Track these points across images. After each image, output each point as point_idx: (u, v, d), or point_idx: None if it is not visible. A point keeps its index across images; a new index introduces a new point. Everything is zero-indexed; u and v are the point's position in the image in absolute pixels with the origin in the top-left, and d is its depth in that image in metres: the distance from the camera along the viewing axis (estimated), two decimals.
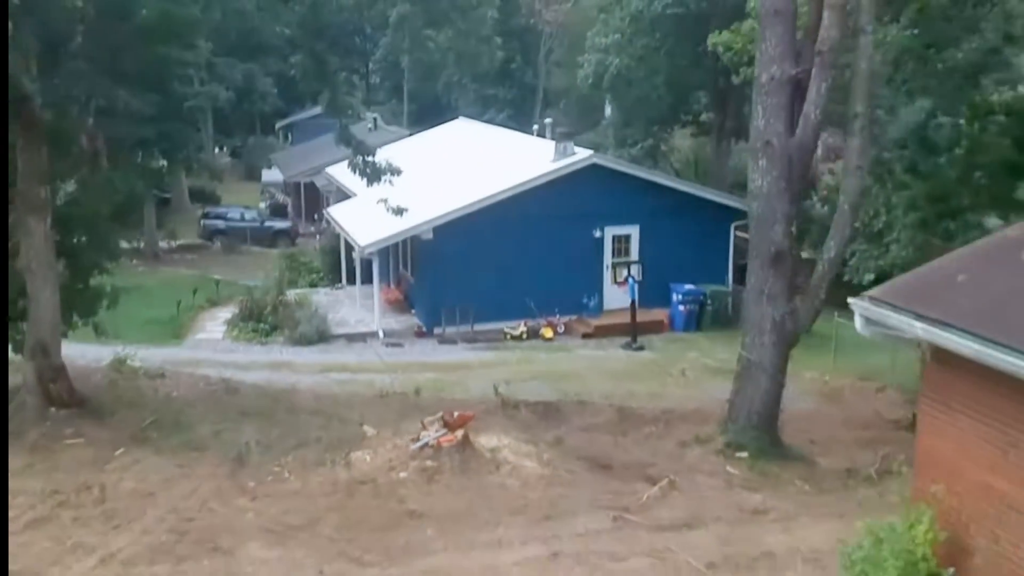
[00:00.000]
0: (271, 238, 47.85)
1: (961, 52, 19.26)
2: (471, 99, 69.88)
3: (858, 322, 8.64)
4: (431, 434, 15.06)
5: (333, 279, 31.72)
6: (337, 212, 30.31)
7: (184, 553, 11.96)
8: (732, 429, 16.09)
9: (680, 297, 27.65)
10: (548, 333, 26.86)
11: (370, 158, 19.00)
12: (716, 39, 23.80)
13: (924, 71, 19.66)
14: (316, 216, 46.80)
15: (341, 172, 35.17)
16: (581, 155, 27.28)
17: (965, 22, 19.62)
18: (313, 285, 31.91)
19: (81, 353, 19.34)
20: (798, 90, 14.72)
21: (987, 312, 7.90)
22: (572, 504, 13.87)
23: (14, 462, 14.41)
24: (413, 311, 28.12)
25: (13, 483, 13.47)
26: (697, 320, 27.79)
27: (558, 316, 27.23)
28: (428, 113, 63.69)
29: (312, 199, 50.17)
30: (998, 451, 8.06)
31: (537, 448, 16.00)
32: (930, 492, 8.44)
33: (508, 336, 26.75)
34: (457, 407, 18.07)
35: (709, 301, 27.84)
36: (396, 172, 19.37)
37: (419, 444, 14.90)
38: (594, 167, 27.15)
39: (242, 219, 48.83)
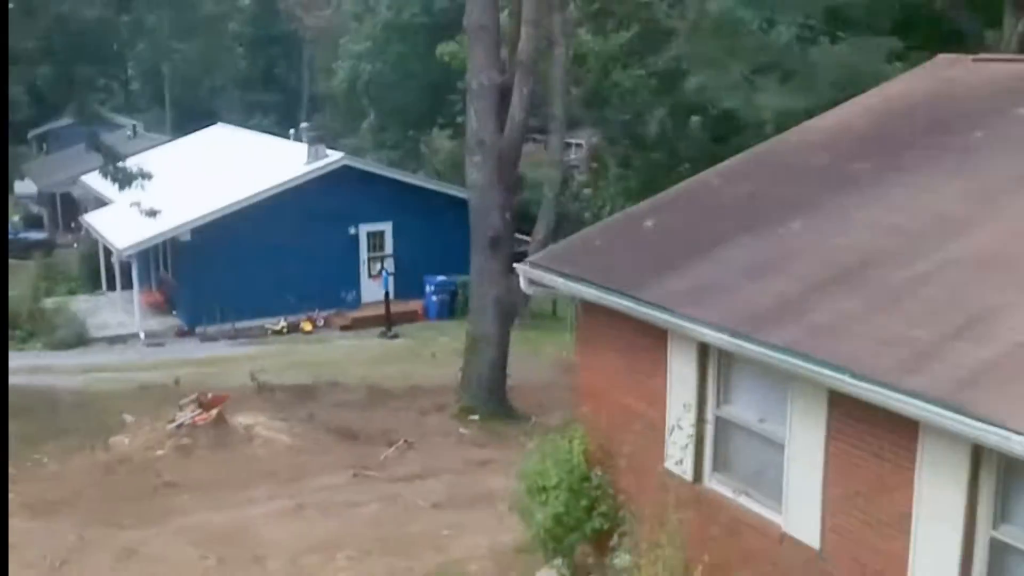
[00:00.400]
0: (26, 250, 46.68)
1: (660, 60, 22.07)
2: (236, 105, 69.83)
3: (522, 282, 10.75)
4: (187, 415, 16.35)
5: (93, 286, 31.87)
6: (94, 219, 30.62)
7: None
8: (464, 396, 18.15)
9: (433, 288, 29.68)
10: (307, 327, 28.32)
11: (121, 164, 19.91)
12: (443, 49, 25.78)
13: (628, 75, 22.31)
14: (73, 226, 46.10)
15: (97, 180, 35.30)
16: (332, 157, 28.87)
17: (660, 35, 22.48)
18: (72, 292, 31.95)
19: None
20: (505, 95, 16.94)
21: (607, 268, 10.16)
22: (317, 467, 15.56)
23: None
24: (175, 312, 28.88)
25: None
26: (450, 308, 29.87)
27: (318, 311, 28.72)
28: (190, 119, 63.26)
29: (69, 209, 49.21)
30: (629, 377, 10.31)
31: (289, 424, 17.57)
32: (581, 413, 10.64)
33: (270, 332, 28.02)
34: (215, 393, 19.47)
35: (460, 290, 29.97)
36: (147, 176, 20.39)
37: (175, 424, 16.17)
38: (346, 168, 28.80)
39: None
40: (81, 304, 29.82)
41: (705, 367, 9.23)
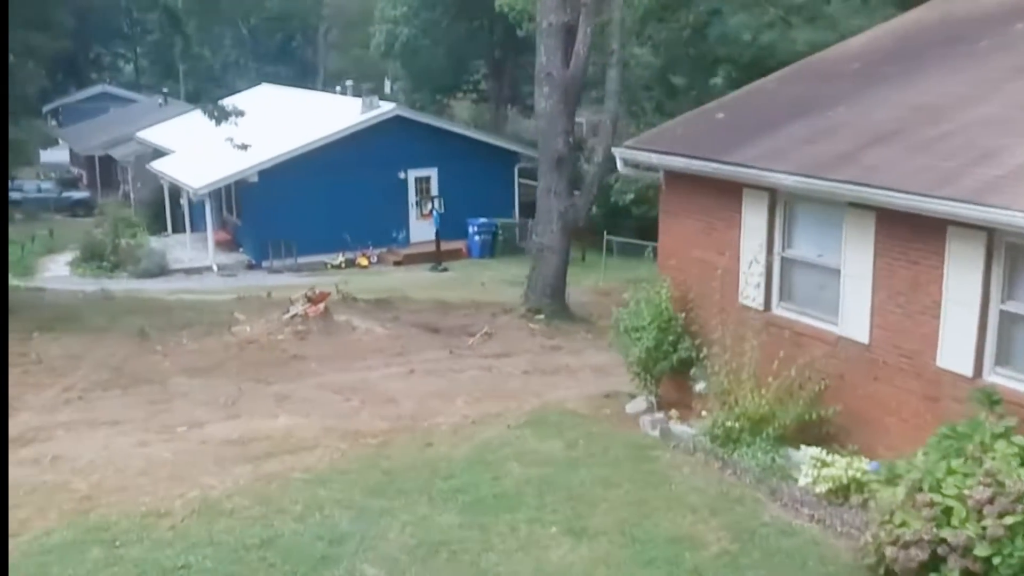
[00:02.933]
0: (71, 207, 49.23)
1: (692, 14, 24.59)
2: (252, 78, 72.11)
3: (619, 163, 13.39)
4: (299, 307, 18.96)
5: (156, 230, 34.38)
6: (162, 165, 33.09)
7: (125, 384, 15.43)
8: (530, 298, 20.77)
9: (476, 229, 32.32)
10: (364, 262, 30.95)
11: (219, 102, 22.37)
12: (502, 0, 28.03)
13: (662, 27, 24.80)
14: (119, 183, 48.74)
15: (154, 134, 37.91)
16: (386, 107, 31.45)
17: None
18: (134, 237, 34.42)
19: None
20: (570, 33, 19.53)
21: (692, 146, 12.80)
22: (416, 346, 18.19)
23: None
24: (240, 249, 31.46)
25: None
26: (491, 248, 32.54)
27: (371, 248, 31.32)
28: (204, 92, 65.46)
29: (107, 171, 51.77)
30: (706, 235, 12.96)
31: (379, 322, 20.19)
32: (666, 267, 13.28)
33: (329, 266, 30.65)
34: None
35: (500, 232, 32.65)
36: (240, 114, 22.89)
37: (289, 314, 18.79)
38: (398, 118, 31.40)
39: (39, 191, 49.87)
40: (152, 244, 32.34)
41: (773, 217, 11.87)
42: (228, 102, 22.90)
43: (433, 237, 31.63)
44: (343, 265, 30.68)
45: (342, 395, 14.91)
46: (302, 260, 30.41)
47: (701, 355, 12.87)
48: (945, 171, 9.78)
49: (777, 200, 11.68)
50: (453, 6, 41.47)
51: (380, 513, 10.22)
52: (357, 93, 32.43)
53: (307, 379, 15.95)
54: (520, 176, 33.95)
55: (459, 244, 32.24)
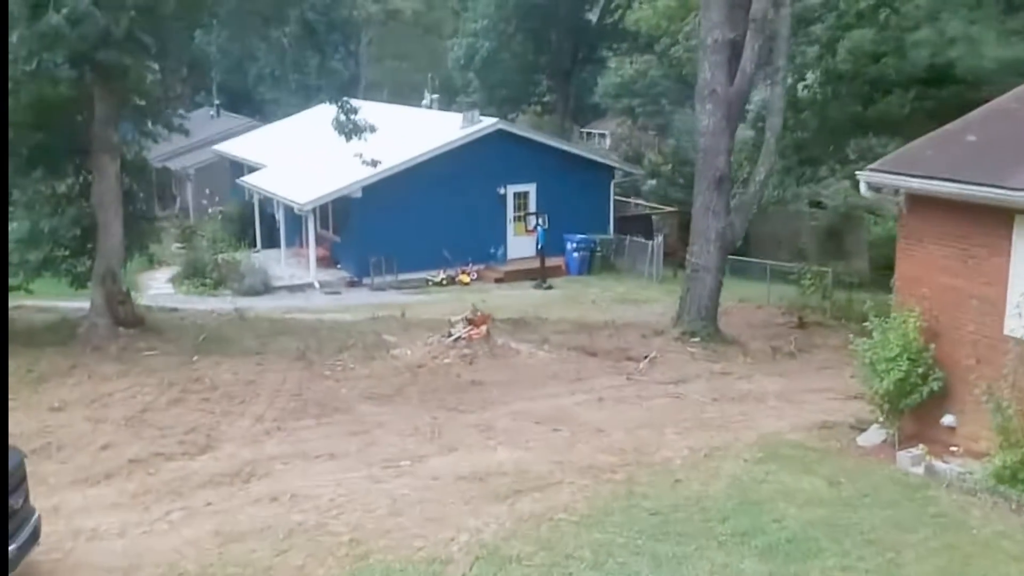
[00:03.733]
0: None
1: (824, 26, 24.05)
2: (292, 90, 71.59)
3: (863, 188, 12.84)
4: (461, 329, 18.41)
5: (246, 245, 33.87)
6: (255, 180, 32.57)
7: (316, 413, 14.86)
8: (686, 320, 20.21)
9: (574, 245, 31.78)
10: (465, 279, 30.40)
11: (354, 116, 21.75)
12: (635, 15, 27.38)
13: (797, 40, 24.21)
14: (174, 196, 48.34)
15: (236, 147, 37.45)
16: (487, 122, 30.94)
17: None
18: (220, 253, 33.89)
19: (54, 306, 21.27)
20: (735, 49, 19.00)
21: (948, 167, 12.24)
22: (589, 372, 17.62)
23: (105, 369, 16.78)
24: (339, 265, 30.93)
25: (118, 383, 16.00)
26: (589, 265, 32.00)
27: (471, 264, 30.80)
28: (238, 105, 64.74)
29: (164, 182, 51.24)
30: (959, 263, 12.39)
31: (534, 345, 19.63)
32: (917, 294, 12.69)
33: (430, 283, 30.10)
34: (442, 324, 21.57)
35: (599, 248, 32.12)
36: (373, 129, 22.28)
37: (453, 337, 18.23)
38: (499, 132, 30.87)
39: None
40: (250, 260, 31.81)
41: None
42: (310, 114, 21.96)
43: (532, 253, 31.15)
44: (444, 282, 30.14)
45: (546, 425, 14.34)
46: (402, 277, 29.87)
47: (949, 389, 12.36)
48: None
49: None
50: (525, 20, 41.12)
51: (676, 559, 9.72)
52: (469, 106, 31.90)
53: (497, 407, 15.37)
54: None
55: (557, 260, 31.70)
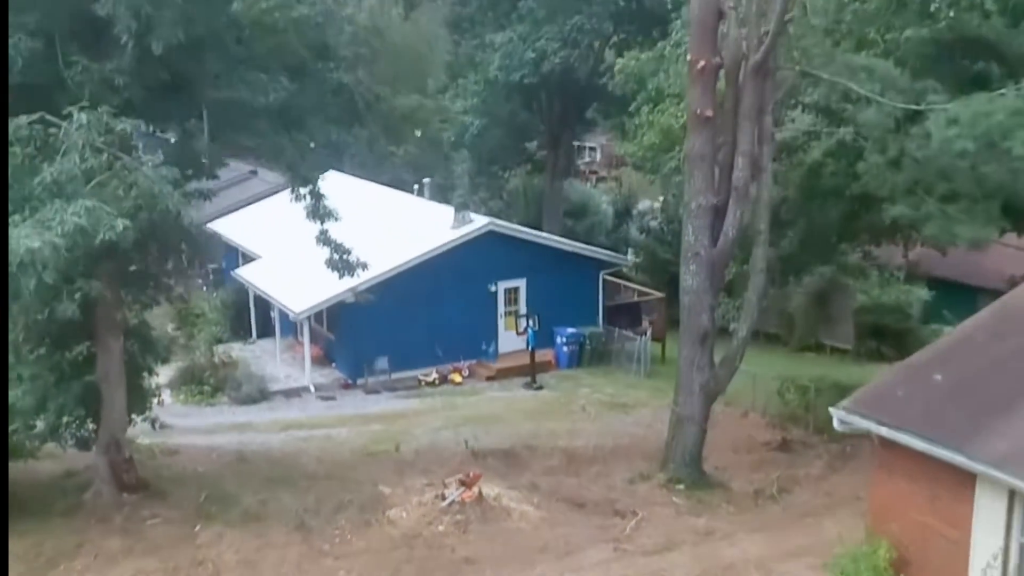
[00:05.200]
0: None
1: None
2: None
3: (836, 423, 13.54)
4: (454, 493, 19.04)
5: (239, 335, 34.39)
6: (250, 274, 33.10)
7: None
8: (672, 468, 20.92)
9: (564, 339, 32.44)
10: (457, 378, 31.04)
11: (347, 256, 22.08)
12: (623, 64, 27.71)
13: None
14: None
15: (231, 229, 37.89)
16: (479, 223, 31.57)
17: None
18: (219, 340, 34.39)
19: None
20: (718, 214, 19.67)
21: (915, 413, 12.95)
22: (578, 540, 18.24)
23: (110, 544, 17.43)
24: (334, 364, 31.54)
25: (126, 564, 16.65)
26: (578, 358, 32.66)
27: (463, 361, 31.43)
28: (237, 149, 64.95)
29: None
30: (926, 499, 13.10)
31: (522, 493, 20.27)
32: (886, 527, 13.41)
33: (422, 383, 30.73)
34: (437, 460, 22.35)
35: (588, 341, 32.78)
36: (364, 266, 22.61)
37: (447, 502, 18.85)
38: (490, 232, 31.49)
39: None
40: (241, 354, 32.34)
41: (1012, 505, 12.02)
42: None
43: (522, 347, 31.76)
44: (436, 382, 30.76)
45: None
46: (396, 376, 30.51)
47: None
48: None
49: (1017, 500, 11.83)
50: (516, 91, 41.69)
51: None
52: (460, 206, 32.43)
53: None
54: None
55: (547, 354, 32.30)
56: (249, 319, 34.41)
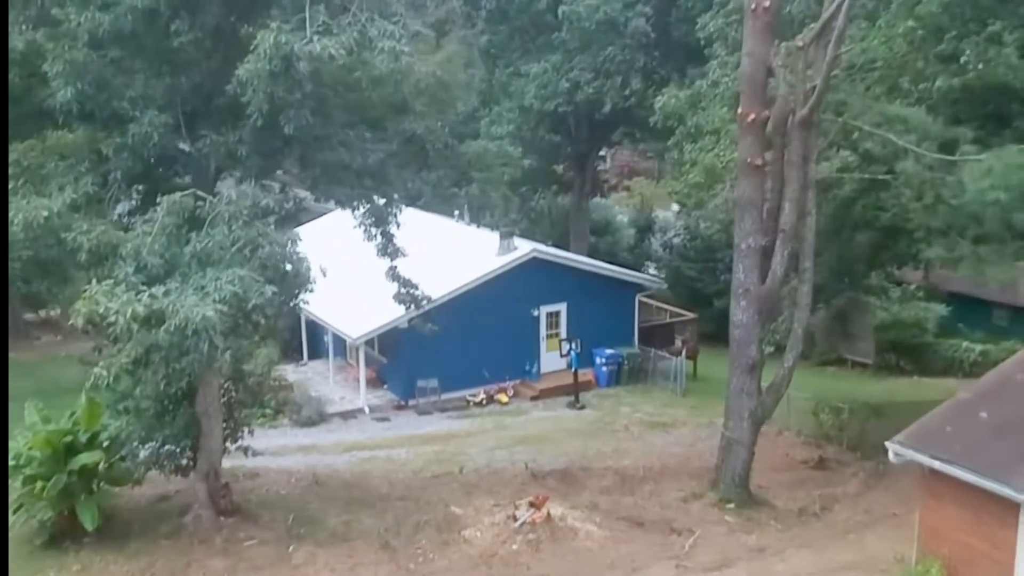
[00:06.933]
0: None
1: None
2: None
3: (892, 455, 15.11)
4: (524, 514, 20.61)
5: (291, 356, 35.94)
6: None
7: None
8: (721, 488, 22.46)
9: (603, 360, 34.03)
10: (504, 398, 32.63)
11: (416, 291, 23.67)
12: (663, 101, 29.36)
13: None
14: None
15: None
16: (523, 250, 33.15)
17: None
18: (273, 361, 35.93)
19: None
20: (766, 253, 21.24)
21: (963, 448, 14.49)
22: (641, 559, 19.81)
23: (215, 564, 19.05)
24: (386, 386, 33.13)
25: None
26: (616, 377, 34.26)
27: (508, 381, 33.02)
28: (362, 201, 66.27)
29: None
30: (973, 523, 14.64)
31: (584, 513, 21.84)
32: (936, 549, 14.96)
33: (471, 403, 32.32)
34: (500, 482, 23.91)
35: (626, 361, 34.36)
36: (429, 299, 24.16)
37: (519, 523, 20.42)
38: (533, 259, 33.10)
39: None
40: (294, 375, 33.95)
41: None
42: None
43: (563, 366, 33.36)
44: (483, 402, 32.33)
45: None
46: (445, 397, 32.08)
47: None
48: None
49: None
50: (547, 116, 43.27)
51: None
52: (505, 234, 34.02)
53: None
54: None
55: (588, 374, 33.89)
56: (300, 341, 35.96)
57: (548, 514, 20.72)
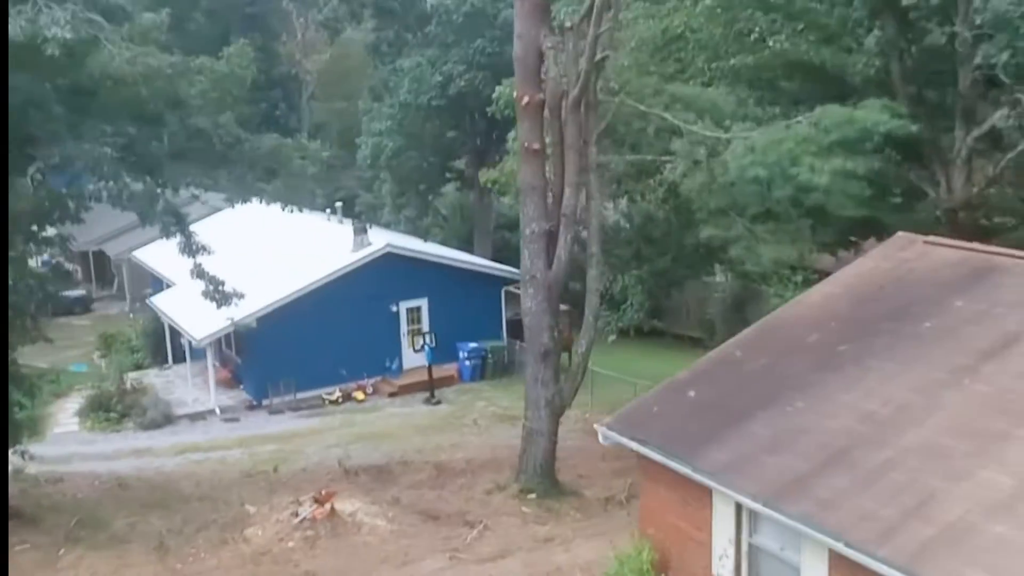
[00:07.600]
0: (67, 307, 50.20)
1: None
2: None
3: (601, 438, 14.80)
4: (306, 510, 20.25)
5: (159, 360, 35.56)
6: (163, 303, 34.29)
7: None
8: (522, 479, 22.13)
9: (466, 354, 33.67)
10: (360, 396, 32.23)
11: (222, 287, 23.34)
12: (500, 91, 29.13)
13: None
14: (112, 276, 50.16)
15: (150, 257, 39.11)
16: (376, 246, 32.77)
17: None
18: (139, 366, 35.57)
19: None
20: (552, 238, 20.93)
21: (665, 429, 14.21)
22: (417, 552, 19.44)
23: None
24: (242, 386, 32.72)
25: None
26: (481, 371, 33.91)
27: (367, 379, 32.65)
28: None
29: (101, 266, 52.93)
30: (681, 507, 14.35)
31: (381, 508, 21.48)
32: (650, 532, 14.67)
33: (326, 402, 31.92)
34: (310, 479, 23.51)
35: (490, 355, 34.02)
36: (241, 296, 23.80)
37: (299, 519, 20.07)
38: (388, 254, 32.74)
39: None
40: (154, 379, 33.54)
41: (740, 509, 13.28)
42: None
43: (426, 363, 33.00)
44: (339, 400, 31.94)
45: None
46: (300, 396, 31.69)
47: None
48: (887, 521, 11.18)
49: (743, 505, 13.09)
50: (435, 112, 42.91)
51: None
52: (359, 230, 33.62)
53: None
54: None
55: (451, 369, 33.54)
56: (165, 345, 35.55)
57: (332, 509, 20.36)
